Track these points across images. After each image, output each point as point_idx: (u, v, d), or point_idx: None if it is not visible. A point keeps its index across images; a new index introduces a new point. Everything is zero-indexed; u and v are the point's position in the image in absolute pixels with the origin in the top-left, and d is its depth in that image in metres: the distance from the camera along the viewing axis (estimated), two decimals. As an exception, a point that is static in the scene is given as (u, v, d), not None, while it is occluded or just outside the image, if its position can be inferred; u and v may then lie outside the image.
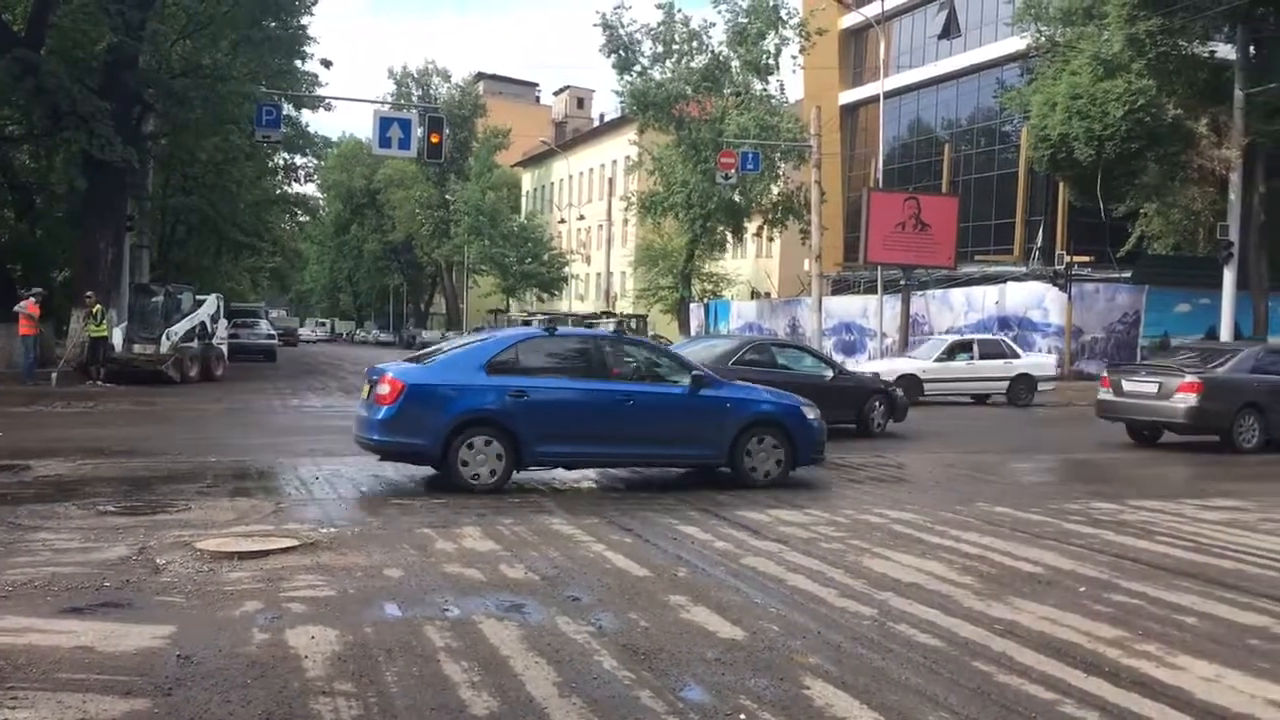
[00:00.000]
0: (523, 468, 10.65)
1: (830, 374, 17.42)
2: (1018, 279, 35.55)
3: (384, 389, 10.25)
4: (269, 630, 5.54)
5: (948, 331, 36.12)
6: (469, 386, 10.37)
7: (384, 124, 23.37)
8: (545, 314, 74.25)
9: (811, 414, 11.63)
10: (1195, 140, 28.37)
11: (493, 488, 10.18)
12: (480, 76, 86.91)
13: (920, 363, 25.55)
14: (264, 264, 59.42)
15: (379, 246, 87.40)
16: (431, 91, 76.34)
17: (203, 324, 27.61)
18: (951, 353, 25.70)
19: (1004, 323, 33.74)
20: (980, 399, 25.54)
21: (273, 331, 45.91)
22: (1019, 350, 27.49)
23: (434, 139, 23.32)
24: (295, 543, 7.65)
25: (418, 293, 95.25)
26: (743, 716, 4.50)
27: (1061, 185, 35.52)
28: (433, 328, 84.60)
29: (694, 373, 11.34)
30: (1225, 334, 28.95)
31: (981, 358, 25.58)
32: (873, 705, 4.65)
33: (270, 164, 44.94)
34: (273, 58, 31.73)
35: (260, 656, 5.09)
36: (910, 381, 22.95)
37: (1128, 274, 33.28)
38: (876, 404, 17.50)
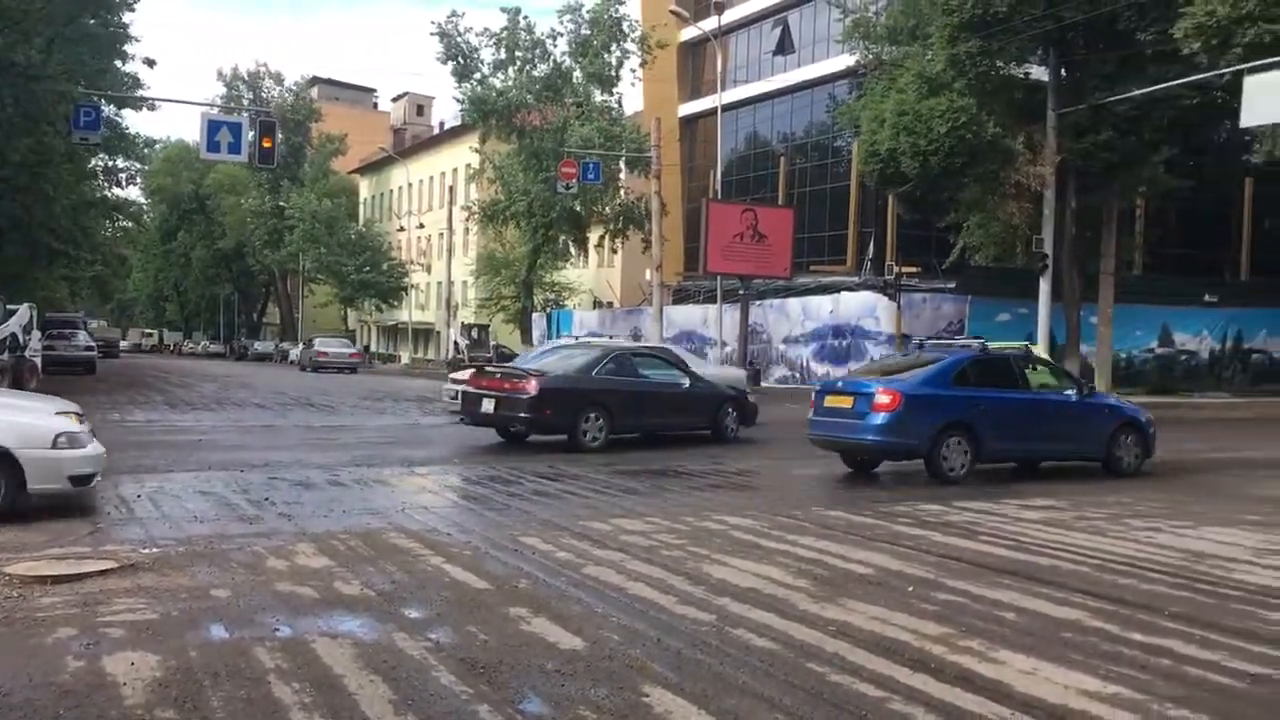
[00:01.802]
0: (980, 462, 13.00)
1: (687, 382, 17.67)
2: (851, 289, 36.67)
3: (884, 399, 12.66)
4: (84, 657, 5.25)
5: (785, 340, 37.10)
6: (947, 397, 12.97)
7: (213, 127, 22.58)
8: (390, 323, 72.98)
9: (1148, 417, 14.57)
10: (1013, 157, 29.81)
11: (959, 479, 12.65)
12: (315, 80, 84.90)
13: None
14: (83, 272, 56.53)
15: (208, 254, 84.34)
16: (264, 94, 74.12)
17: (13, 335, 26.00)
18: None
19: (838, 331, 34.79)
20: None
21: (92, 343, 43.64)
22: (687, 361, 21.95)
23: (266, 143, 22.72)
24: (114, 564, 7.29)
25: (250, 302, 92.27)
26: (582, 727, 4.49)
27: (891, 198, 36.85)
28: (266, 338, 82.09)
29: (1080, 383, 14.54)
30: (1042, 342, 30.49)
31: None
32: (710, 710, 4.71)
33: (90, 166, 42.83)
34: (91, 56, 30.28)
35: (74, 685, 4.82)
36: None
37: (953, 284, 34.68)
38: (729, 410, 17.88)
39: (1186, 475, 14.47)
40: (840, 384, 14.06)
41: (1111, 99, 27.54)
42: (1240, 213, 44.18)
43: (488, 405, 15.85)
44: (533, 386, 15.43)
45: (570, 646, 5.64)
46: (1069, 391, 14.06)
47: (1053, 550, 8.65)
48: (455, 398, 19.30)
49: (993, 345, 14.40)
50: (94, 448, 9.60)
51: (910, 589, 7.12)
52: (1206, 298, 36.55)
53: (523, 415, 15.55)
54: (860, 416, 12.87)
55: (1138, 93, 26.80)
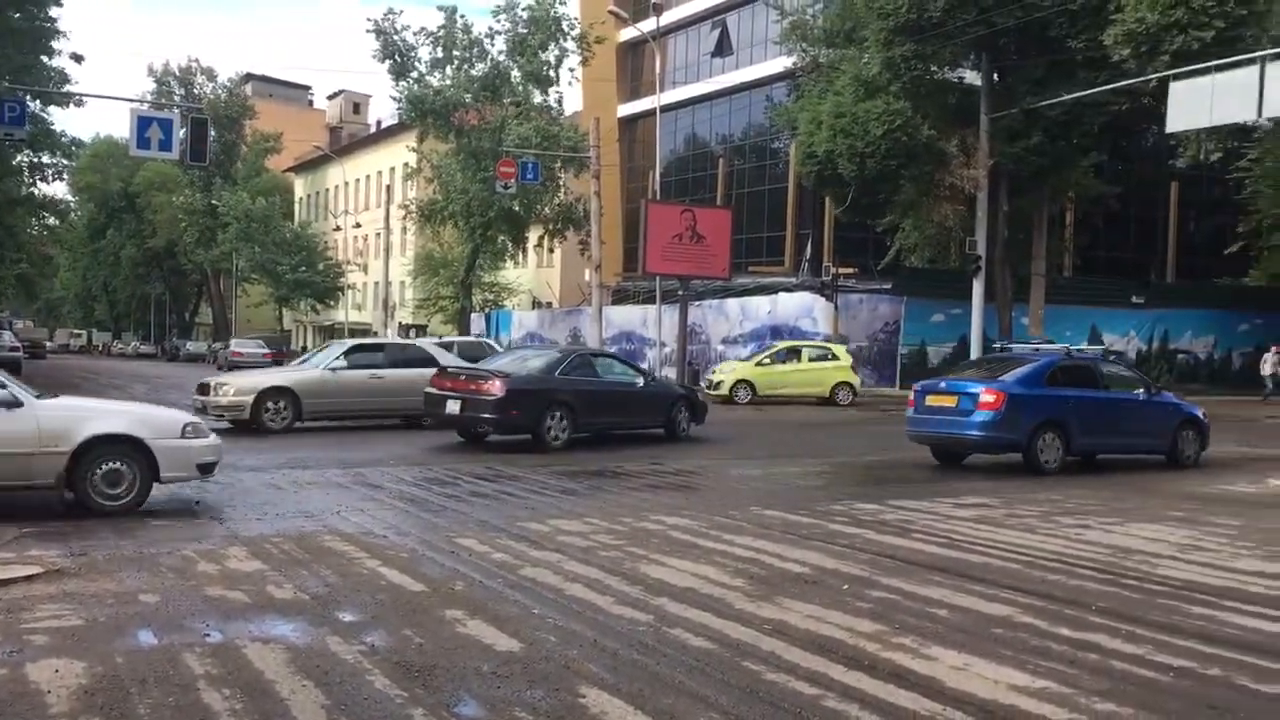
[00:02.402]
0: (1071, 455, 14.31)
1: (641, 381, 18.24)
2: (789, 289, 36.95)
3: (989, 398, 13.90)
4: (6, 665, 5.12)
5: (724, 341, 37.28)
6: (1043, 396, 14.17)
7: (143, 123, 22.13)
8: (326, 324, 72.18)
9: (1205, 414, 15.89)
10: (947, 160, 30.25)
11: (1056, 471, 13.91)
12: (249, 77, 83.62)
13: (304, 374, 19.17)
14: (7, 271, 55.23)
15: (138, 253, 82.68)
16: (196, 91, 72.80)
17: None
18: (352, 358, 19.47)
19: (776, 332, 35.01)
20: (412, 420, 19.06)
21: (16, 343, 42.63)
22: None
23: (198, 141, 22.29)
24: (38, 570, 7.12)
25: (182, 302, 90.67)
26: (517, 729, 4.48)
27: (828, 200, 37.18)
28: (199, 339, 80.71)
29: (1147, 384, 15.81)
30: (975, 342, 30.98)
31: (406, 365, 19.31)
32: (646, 710, 4.72)
33: (15, 163, 41.81)
34: (16, 51, 29.55)
35: (-5, 695, 4.70)
36: (286, 399, 18.08)
37: (889, 285, 35.08)
38: (681, 409, 18.32)
39: (1115, 473, 14.78)
40: (943, 384, 15.05)
41: (1042, 104, 28.05)
42: (1166, 216, 45.30)
43: (453, 406, 15.94)
44: (498, 387, 15.58)
45: (506, 648, 5.62)
46: (1138, 391, 15.43)
47: (984, 547, 8.78)
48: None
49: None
50: (214, 437, 10.29)
51: (845, 587, 7.19)
52: (1134, 299, 37.35)
53: (488, 416, 15.72)
54: (965, 414, 14.13)
55: (1068, 98, 27.32)
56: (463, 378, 16.43)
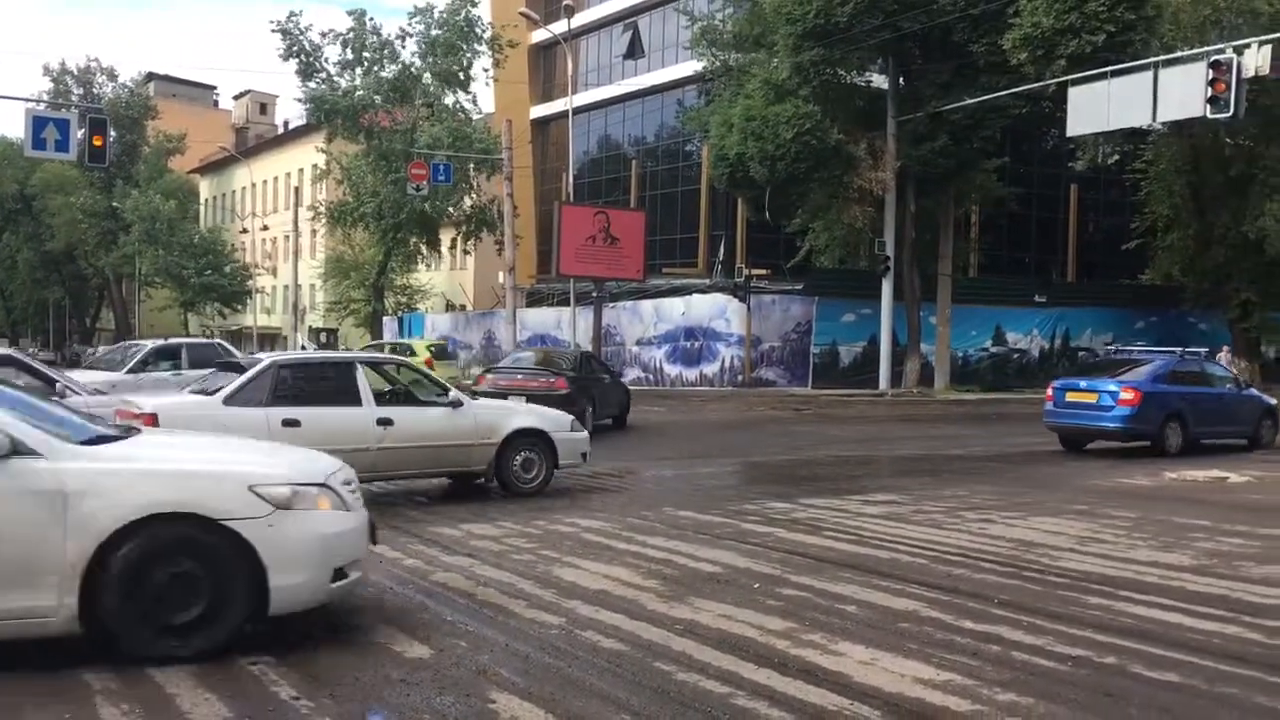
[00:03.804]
0: (1188, 442, 16.40)
1: (608, 378, 21.12)
2: (702, 291, 37.16)
3: (1128, 395, 16.13)
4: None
5: (638, 342, 37.39)
6: (1168, 393, 16.56)
7: (38, 124, 21.45)
8: (234, 328, 70.70)
9: (1278, 403, 18.49)
10: (856, 163, 30.72)
11: (1176, 453, 16.06)
12: (151, 77, 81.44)
13: (105, 376, 17.59)
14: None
15: (36, 256, 79.91)
16: (95, 90, 70.64)
17: None
18: (149, 362, 18.97)
19: (690, 333, 35.20)
20: None
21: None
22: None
23: (97, 141, 21.65)
24: None
25: (83, 307, 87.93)
26: (427, 737, 4.44)
27: (740, 202, 37.50)
28: (100, 344, 78.45)
29: (1237, 380, 18.73)
30: (885, 341, 31.52)
31: (194, 366, 18.15)
32: (557, 713, 4.71)
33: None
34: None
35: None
36: None
37: (800, 286, 35.48)
38: (627, 405, 21.00)
39: (1018, 468, 15.16)
40: (1083, 384, 17.25)
41: (946, 107, 28.67)
42: (1066, 217, 46.56)
43: None
44: (564, 385, 17.90)
45: (417, 655, 5.57)
46: (1229, 386, 18.16)
47: (892, 544, 8.93)
48: None
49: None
50: (585, 432, 12.37)
51: (756, 586, 7.25)
52: (1036, 298, 38.31)
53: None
54: (1106, 409, 16.39)
55: (970, 102, 27.96)
56: (520, 376, 18.60)
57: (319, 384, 10.67)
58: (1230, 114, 20.55)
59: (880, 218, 31.62)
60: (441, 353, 38.34)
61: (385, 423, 10.37)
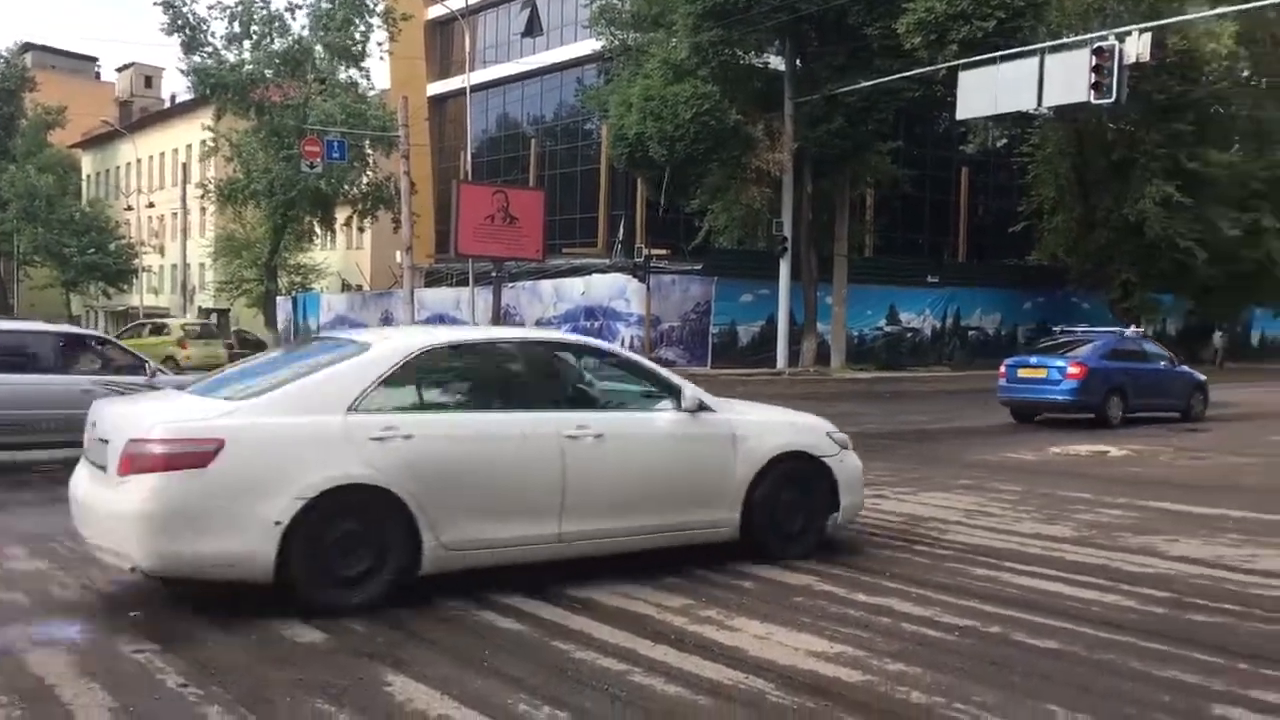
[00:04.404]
0: (1126, 414, 17.74)
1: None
2: (602, 271, 37.14)
3: (1074, 369, 17.49)
4: None
5: (539, 323, 37.24)
6: (1110, 368, 17.80)
7: (-96, 94, 20.45)
8: (120, 308, 68.51)
9: (1206, 379, 20.01)
10: (754, 144, 30.99)
11: (1117, 426, 17.23)
12: (29, 47, 78.03)
13: None
14: None
15: (-96, 234, 76.35)
16: (-33, 62, 67.55)
17: None
18: None
19: (590, 313, 35.18)
20: None
21: None
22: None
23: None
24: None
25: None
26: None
27: (640, 182, 37.54)
28: (-24, 326, 75.15)
29: (1170, 357, 19.83)
30: (782, 321, 31.90)
31: None
32: (453, 694, 4.68)
33: None
34: None
35: None
36: None
37: (699, 266, 35.70)
38: None
39: (911, 445, 15.50)
40: (1033, 360, 18.70)
41: (842, 90, 29.06)
42: (957, 199, 47.66)
43: None
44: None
45: (309, 639, 5.48)
46: (1163, 363, 19.32)
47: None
48: None
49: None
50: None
51: (657, 564, 7.29)
52: (929, 279, 39.18)
53: None
54: (1055, 383, 17.68)
55: (865, 84, 28.38)
56: None
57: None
58: (1112, 99, 21.27)
59: (778, 199, 31.95)
60: (205, 332, 37.96)
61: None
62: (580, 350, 7.69)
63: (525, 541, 6.44)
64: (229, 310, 55.54)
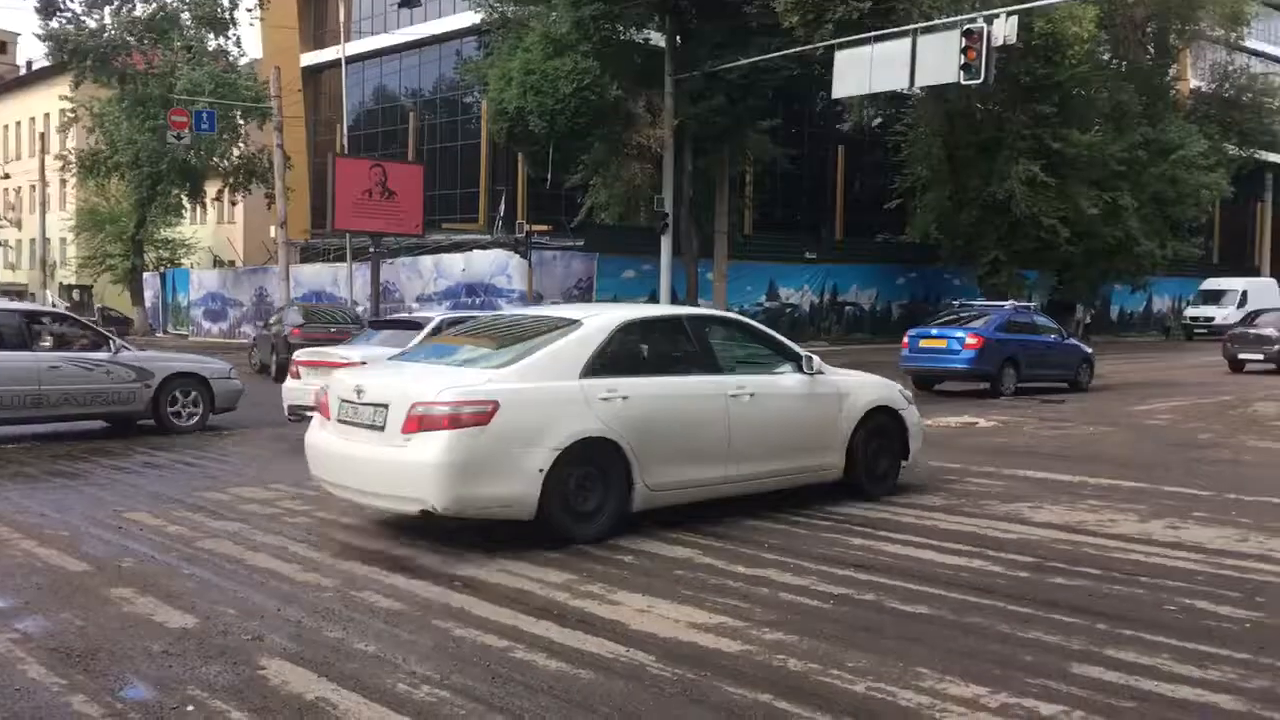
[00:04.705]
0: (1019, 383, 18.93)
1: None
2: (483, 247, 36.78)
3: (972, 340, 18.55)
4: None
5: (418, 299, 36.72)
6: (1005, 340, 19.01)
7: None
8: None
9: (1093, 352, 21.21)
10: (635, 120, 30.93)
11: (1010, 394, 18.59)
12: None
13: None
14: None
15: None
16: None
17: None
18: None
19: (471, 289, 34.83)
20: None
21: None
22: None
23: None
24: None
25: None
26: (190, 708, 4.27)
27: (521, 157, 37.19)
28: None
29: (1060, 330, 21.06)
30: (664, 297, 32.05)
31: None
32: (331, 676, 4.62)
33: None
34: None
35: None
36: None
37: (581, 242, 35.61)
38: None
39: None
40: (934, 331, 19.63)
41: (721, 67, 29.22)
42: (835, 177, 48.46)
43: None
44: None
45: (180, 625, 5.34)
46: (1053, 336, 20.33)
47: (670, 494, 9.12)
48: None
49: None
50: None
51: (539, 543, 7.28)
52: (807, 255, 39.82)
53: None
54: (954, 353, 18.79)
55: (744, 62, 28.59)
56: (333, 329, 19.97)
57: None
58: (981, 80, 21.85)
59: (659, 175, 32.01)
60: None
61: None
62: (730, 324, 9.12)
63: (704, 483, 7.80)
64: (92, 287, 53.32)
